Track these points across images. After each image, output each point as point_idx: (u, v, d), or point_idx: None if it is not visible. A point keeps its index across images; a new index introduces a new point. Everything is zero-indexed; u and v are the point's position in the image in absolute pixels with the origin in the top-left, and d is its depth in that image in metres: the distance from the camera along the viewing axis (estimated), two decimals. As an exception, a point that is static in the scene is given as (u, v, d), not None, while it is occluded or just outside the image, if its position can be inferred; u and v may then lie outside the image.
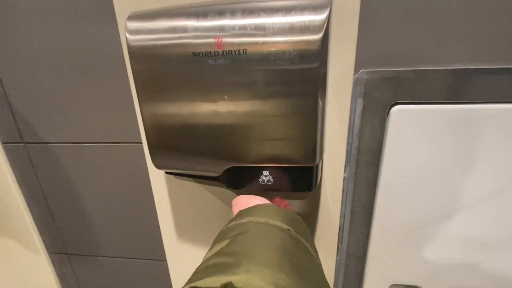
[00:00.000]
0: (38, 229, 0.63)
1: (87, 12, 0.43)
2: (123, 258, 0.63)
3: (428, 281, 0.51)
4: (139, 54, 0.33)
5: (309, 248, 0.26)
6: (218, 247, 0.24)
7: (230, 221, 0.32)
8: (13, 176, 0.58)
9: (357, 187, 0.46)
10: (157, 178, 0.52)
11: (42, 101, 0.51)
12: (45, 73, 0.48)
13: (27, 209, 0.61)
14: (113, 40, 0.44)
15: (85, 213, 0.60)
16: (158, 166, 0.41)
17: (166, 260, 0.61)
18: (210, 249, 0.26)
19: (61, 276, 0.69)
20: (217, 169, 0.39)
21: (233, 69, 0.31)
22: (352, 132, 0.43)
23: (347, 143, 0.43)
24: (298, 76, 0.30)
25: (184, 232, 0.57)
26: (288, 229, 0.25)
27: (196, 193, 0.53)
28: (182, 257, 0.59)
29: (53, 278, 0.68)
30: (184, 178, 0.50)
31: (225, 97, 0.33)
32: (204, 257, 0.26)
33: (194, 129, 0.36)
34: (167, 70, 0.33)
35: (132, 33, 0.33)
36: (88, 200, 0.58)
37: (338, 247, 0.51)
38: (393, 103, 0.41)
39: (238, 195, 0.47)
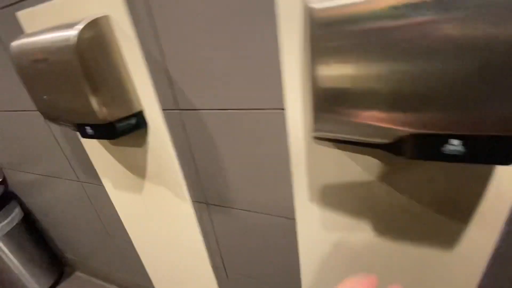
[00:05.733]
0: (186, 182, 0.75)
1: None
2: (254, 212, 0.71)
3: None
4: (325, 16, 0.32)
5: None
6: None
7: None
8: (170, 138, 0.68)
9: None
10: (297, 143, 0.54)
11: (197, 69, 0.56)
12: (201, 42, 0.53)
13: (179, 165, 0.72)
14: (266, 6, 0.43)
15: (225, 170, 0.67)
16: (318, 129, 0.41)
17: (294, 219, 0.66)
18: None
19: (200, 220, 0.82)
20: (389, 135, 0.36)
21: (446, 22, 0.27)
22: None
23: None
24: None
25: (316, 195, 0.58)
26: None
27: (334, 159, 0.52)
28: (312, 218, 0.62)
29: (195, 221, 0.82)
30: (331, 144, 0.50)
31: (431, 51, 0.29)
32: None
33: (375, 89, 0.33)
34: (358, 28, 0.31)
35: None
36: (229, 159, 0.65)
37: (504, 230, 0.44)
38: None
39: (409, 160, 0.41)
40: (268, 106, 0.54)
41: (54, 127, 0.91)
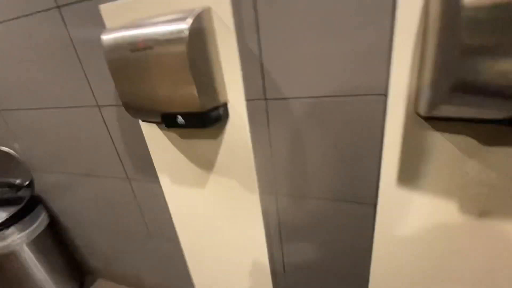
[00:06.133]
0: (258, 174, 0.77)
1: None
2: (330, 200, 0.73)
3: None
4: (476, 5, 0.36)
5: None
6: None
7: None
8: (249, 129, 0.70)
9: None
10: (395, 126, 0.57)
11: (295, 56, 0.59)
12: (304, 27, 0.56)
13: (253, 157, 0.74)
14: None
15: (306, 159, 0.70)
16: (444, 109, 0.45)
17: (373, 204, 0.69)
18: None
19: (265, 214, 0.83)
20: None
21: None
22: None
23: None
24: None
25: (405, 178, 0.62)
26: None
27: (429, 140, 0.56)
28: (396, 202, 0.65)
29: (260, 214, 0.83)
30: (436, 124, 0.54)
31: None
32: None
33: None
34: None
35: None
36: (312, 147, 0.68)
37: None
38: None
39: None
40: (368, 92, 0.57)
41: (110, 122, 0.91)
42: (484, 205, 0.59)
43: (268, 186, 0.79)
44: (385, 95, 0.56)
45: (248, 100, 0.67)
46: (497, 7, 0.36)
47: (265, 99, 0.66)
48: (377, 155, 0.63)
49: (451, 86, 0.42)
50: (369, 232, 0.73)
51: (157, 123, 0.74)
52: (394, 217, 0.68)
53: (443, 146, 0.56)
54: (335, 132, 0.64)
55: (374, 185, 0.66)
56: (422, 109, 0.50)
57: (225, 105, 0.68)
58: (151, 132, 0.83)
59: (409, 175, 0.61)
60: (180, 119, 0.63)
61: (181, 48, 0.54)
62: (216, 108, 0.65)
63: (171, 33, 0.54)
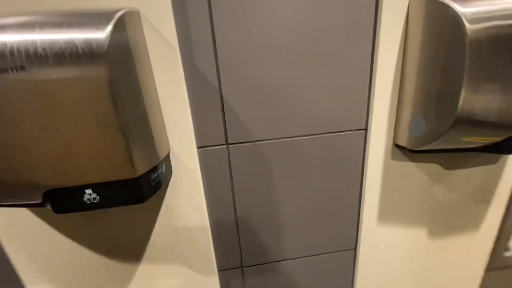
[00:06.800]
0: (215, 246, 0.55)
1: None
2: (307, 256, 0.60)
3: None
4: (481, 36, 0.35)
5: None
6: None
7: None
8: (203, 187, 0.49)
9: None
10: (376, 162, 0.52)
11: (263, 86, 0.45)
12: (267, 67, 0.44)
13: (208, 222, 0.52)
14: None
15: (276, 213, 0.54)
16: (432, 144, 0.42)
17: (354, 249, 0.61)
18: None
19: (226, 295, 0.61)
20: (498, 137, 0.42)
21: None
22: None
23: None
24: None
25: (385, 215, 0.57)
26: None
27: (404, 173, 0.54)
28: (375, 240, 0.60)
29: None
30: (416, 155, 0.52)
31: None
32: None
33: None
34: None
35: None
36: (288, 197, 0.53)
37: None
38: None
39: None
40: (347, 128, 0.50)
41: None
42: (445, 224, 0.62)
43: (230, 260, 0.57)
44: (365, 129, 0.51)
45: (201, 147, 0.47)
46: (504, 35, 0.35)
47: (227, 144, 0.48)
48: (356, 194, 0.56)
49: (453, 121, 0.40)
50: (348, 279, 0.65)
51: (31, 205, 0.40)
52: (375, 256, 0.62)
53: (417, 175, 0.55)
54: (313, 178, 0.53)
55: (354, 228, 0.59)
56: (409, 144, 0.47)
57: (166, 159, 0.44)
58: (11, 222, 0.46)
59: (388, 211, 0.58)
60: (88, 196, 0.35)
61: (98, 71, 0.30)
62: (155, 168, 0.40)
63: (73, 43, 0.29)
